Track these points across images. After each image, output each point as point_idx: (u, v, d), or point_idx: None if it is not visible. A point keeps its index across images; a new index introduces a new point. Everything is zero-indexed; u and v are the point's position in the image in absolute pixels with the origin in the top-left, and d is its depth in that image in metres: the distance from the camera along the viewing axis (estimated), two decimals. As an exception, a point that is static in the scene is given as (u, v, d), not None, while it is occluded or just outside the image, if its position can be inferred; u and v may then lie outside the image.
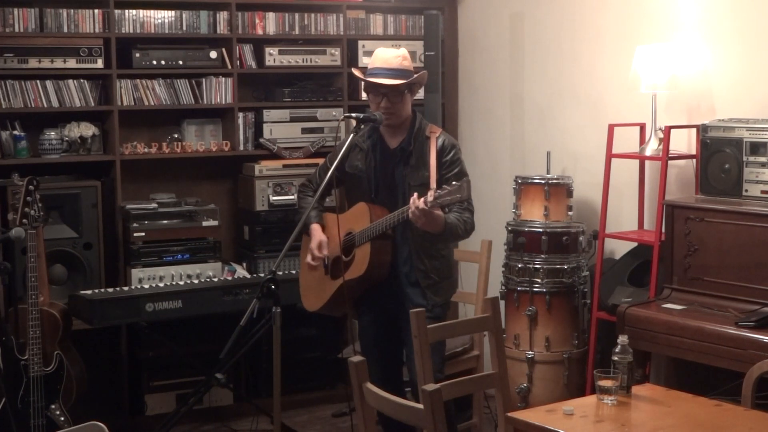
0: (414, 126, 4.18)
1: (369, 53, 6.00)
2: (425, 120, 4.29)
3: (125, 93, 5.50)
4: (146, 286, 5.22)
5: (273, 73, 5.91)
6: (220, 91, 5.69)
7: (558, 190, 5.13)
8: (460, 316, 5.82)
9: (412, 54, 6.04)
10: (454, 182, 3.88)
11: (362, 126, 4.19)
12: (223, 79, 5.69)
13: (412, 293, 4.15)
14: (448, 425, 4.20)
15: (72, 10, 5.36)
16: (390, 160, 4.20)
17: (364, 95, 5.88)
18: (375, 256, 4.10)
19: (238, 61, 5.74)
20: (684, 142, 4.87)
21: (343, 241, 4.22)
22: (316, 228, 4.31)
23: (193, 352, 5.26)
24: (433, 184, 3.99)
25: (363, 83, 4.26)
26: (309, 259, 4.29)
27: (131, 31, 5.50)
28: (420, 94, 5.49)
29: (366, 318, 4.32)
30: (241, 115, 5.77)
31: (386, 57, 4.16)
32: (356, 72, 4.35)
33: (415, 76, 4.14)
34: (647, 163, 5.03)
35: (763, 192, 4.34)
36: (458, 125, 6.35)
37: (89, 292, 5.03)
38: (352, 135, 4.19)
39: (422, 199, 3.84)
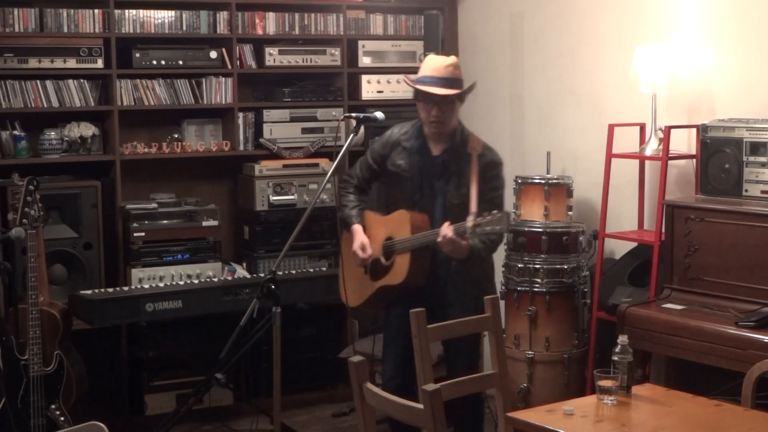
0: (455, 137, 4.17)
1: (369, 53, 6.02)
2: (467, 130, 4.28)
3: (125, 93, 5.49)
4: (146, 286, 5.22)
5: (273, 73, 5.91)
6: (220, 91, 5.69)
7: (558, 190, 5.13)
8: (460, 316, 5.82)
9: (412, 54, 6.08)
10: (494, 211, 3.86)
11: (362, 126, 4.20)
12: (223, 79, 5.69)
13: (452, 293, 4.18)
14: (476, 425, 4.25)
15: (72, 10, 5.35)
16: (431, 167, 4.19)
17: (364, 95, 5.97)
18: (414, 266, 4.11)
19: (238, 61, 5.73)
20: (684, 142, 4.87)
21: (384, 245, 4.23)
22: (358, 229, 4.31)
23: (193, 352, 5.26)
24: (473, 207, 3.98)
25: (414, 91, 4.18)
26: (360, 252, 4.24)
27: (131, 31, 5.50)
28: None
29: (395, 310, 4.29)
30: (241, 115, 5.77)
31: (437, 65, 4.12)
32: (407, 81, 4.29)
33: (468, 86, 4.13)
34: (647, 163, 5.02)
35: (763, 192, 4.34)
36: (458, 125, 6.35)
37: (89, 292, 5.03)
38: (393, 130, 4.23)
39: (451, 228, 3.90)
